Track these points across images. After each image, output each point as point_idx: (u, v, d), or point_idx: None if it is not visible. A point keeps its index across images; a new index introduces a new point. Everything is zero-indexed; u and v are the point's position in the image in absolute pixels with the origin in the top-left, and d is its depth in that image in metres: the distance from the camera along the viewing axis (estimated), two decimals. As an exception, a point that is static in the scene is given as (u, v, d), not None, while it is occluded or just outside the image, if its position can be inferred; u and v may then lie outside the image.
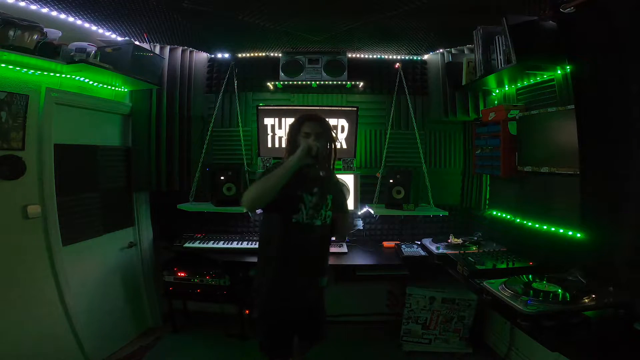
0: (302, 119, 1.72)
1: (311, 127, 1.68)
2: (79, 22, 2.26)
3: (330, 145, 1.74)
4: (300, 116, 1.74)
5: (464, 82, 2.61)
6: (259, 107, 2.94)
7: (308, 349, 1.95)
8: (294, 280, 1.70)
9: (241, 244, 2.75)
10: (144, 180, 2.84)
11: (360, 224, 3.05)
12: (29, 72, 1.98)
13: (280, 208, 1.64)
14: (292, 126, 1.76)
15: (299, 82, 2.93)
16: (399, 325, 2.73)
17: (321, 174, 1.73)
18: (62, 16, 2.14)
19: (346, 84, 2.96)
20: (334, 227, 1.79)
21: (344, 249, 2.75)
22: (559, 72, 2.01)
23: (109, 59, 2.24)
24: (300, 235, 1.67)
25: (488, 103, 2.83)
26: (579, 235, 1.84)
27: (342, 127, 2.95)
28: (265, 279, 1.72)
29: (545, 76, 2.15)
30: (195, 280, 2.69)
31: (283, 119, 2.94)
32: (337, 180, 1.87)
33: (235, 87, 3.01)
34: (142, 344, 2.73)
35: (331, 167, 1.79)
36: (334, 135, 1.79)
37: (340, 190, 1.83)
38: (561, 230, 1.97)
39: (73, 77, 2.25)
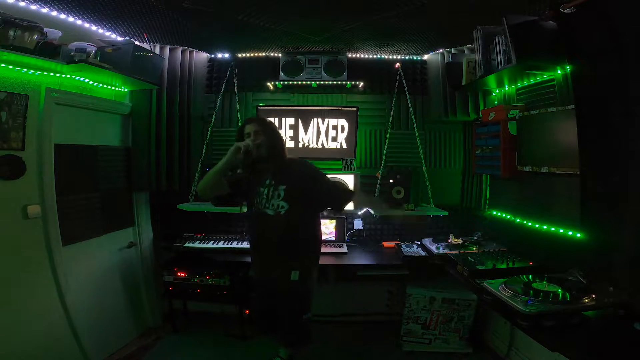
0: (244, 123, 1.99)
1: (249, 128, 1.91)
2: (79, 22, 2.26)
3: (273, 139, 1.93)
4: (244, 121, 2.04)
5: (464, 82, 2.60)
6: (259, 107, 2.95)
7: (289, 349, 2.09)
8: (261, 265, 1.97)
9: (241, 244, 2.75)
10: (144, 180, 2.84)
11: (360, 223, 3.05)
12: (29, 72, 1.98)
13: (246, 199, 1.99)
14: (237, 132, 2.00)
15: (299, 82, 2.93)
16: (399, 325, 2.73)
17: (265, 168, 1.91)
18: (62, 16, 2.15)
19: (346, 84, 2.96)
20: (328, 202, 1.96)
21: (344, 249, 2.75)
22: (559, 72, 2.01)
23: (109, 59, 2.24)
24: (257, 223, 1.92)
25: (488, 103, 2.83)
26: (579, 235, 1.84)
27: (342, 127, 2.96)
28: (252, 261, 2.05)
29: (545, 76, 2.15)
30: (195, 280, 2.69)
31: (283, 119, 2.95)
32: (298, 169, 1.95)
33: (235, 87, 3.01)
34: (142, 344, 2.72)
35: (283, 159, 1.95)
36: (275, 130, 2.01)
37: (300, 178, 1.89)
38: (561, 230, 1.97)
39: (73, 77, 2.25)
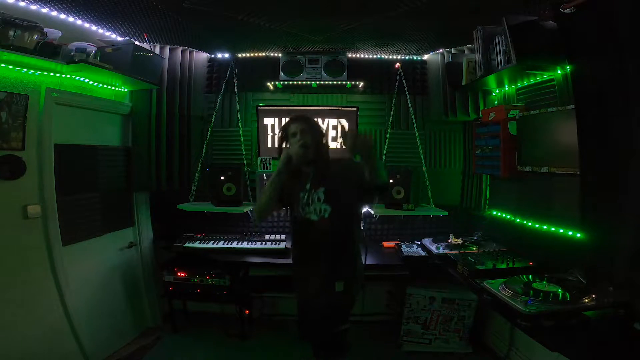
0: (288, 122, 1.80)
1: (295, 127, 1.75)
2: (79, 22, 2.26)
3: (319, 141, 1.77)
4: (287, 121, 1.82)
5: (464, 82, 2.61)
6: (259, 107, 2.95)
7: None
8: (304, 275, 1.81)
9: (241, 244, 2.74)
10: (144, 180, 2.84)
11: None
12: (29, 72, 1.98)
13: (289, 206, 1.85)
14: (281, 130, 1.83)
15: (299, 82, 2.93)
16: (399, 325, 2.73)
17: (308, 170, 1.77)
18: (62, 16, 2.14)
19: (346, 84, 2.96)
20: (347, 217, 1.76)
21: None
22: (559, 72, 2.01)
23: (109, 59, 2.24)
24: (302, 230, 1.78)
25: (488, 103, 2.83)
26: (579, 235, 1.84)
27: (343, 127, 2.95)
28: (292, 267, 1.90)
29: (545, 76, 2.15)
30: (195, 280, 2.69)
31: (283, 119, 2.94)
32: (340, 169, 1.78)
33: (235, 87, 3.01)
34: (142, 344, 2.72)
35: (327, 160, 1.79)
36: (320, 129, 1.84)
37: (342, 177, 1.73)
38: (561, 230, 1.97)
39: (73, 77, 2.25)
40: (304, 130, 1.73)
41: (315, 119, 1.87)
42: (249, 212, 3.01)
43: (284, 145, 1.78)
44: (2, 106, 1.85)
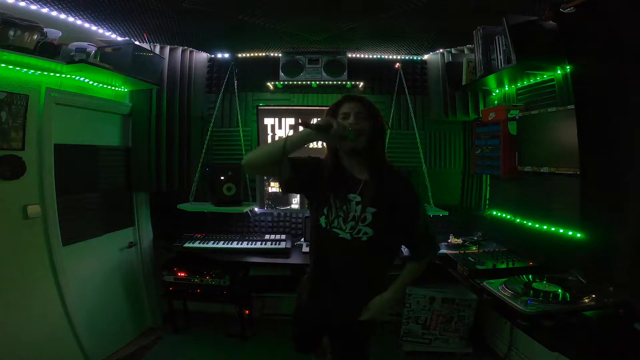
0: (342, 99, 1.40)
1: (349, 107, 1.35)
2: (79, 22, 2.26)
3: (378, 132, 1.36)
4: (341, 97, 1.41)
5: (464, 82, 2.61)
6: (259, 107, 2.94)
7: None
8: (321, 298, 1.48)
9: (241, 244, 2.74)
10: (144, 180, 2.84)
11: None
12: (29, 72, 1.98)
13: (312, 204, 1.47)
14: (329, 109, 1.41)
15: (299, 82, 2.93)
16: (399, 325, 2.73)
17: (362, 177, 1.38)
18: (62, 16, 2.14)
19: (346, 84, 2.96)
20: (385, 249, 1.42)
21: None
22: (559, 72, 2.01)
23: (109, 59, 2.24)
24: (324, 242, 1.42)
25: (488, 103, 2.83)
26: (579, 235, 1.84)
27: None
28: (305, 282, 1.57)
29: (545, 76, 2.15)
30: (195, 280, 2.69)
31: (283, 119, 2.95)
32: (397, 188, 1.37)
33: (235, 87, 3.01)
34: (142, 344, 2.72)
35: (383, 164, 1.39)
36: (382, 120, 1.39)
37: (396, 201, 1.35)
38: (561, 230, 1.97)
39: (73, 77, 2.25)
40: (360, 114, 1.33)
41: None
42: (248, 212, 3.01)
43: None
44: (2, 106, 1.85)
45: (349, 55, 2.98)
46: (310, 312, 1.56)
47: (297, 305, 1.65)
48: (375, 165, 1.37)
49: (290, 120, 2.94)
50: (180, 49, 2.92)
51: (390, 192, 1.35)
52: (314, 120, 1.41)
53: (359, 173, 1.39)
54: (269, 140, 2.96)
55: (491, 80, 2.36)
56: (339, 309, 1.46)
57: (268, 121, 2.96)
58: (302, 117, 2.93)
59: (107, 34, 2.49)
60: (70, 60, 2.03)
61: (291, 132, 2.73)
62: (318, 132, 1.26)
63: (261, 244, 2.75)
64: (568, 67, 1.91)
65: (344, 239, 1.36)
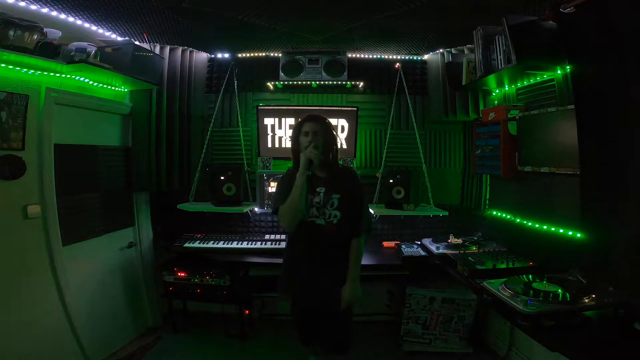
0: (303, 120, 1.83)
1: (310, 127, 1.77)
2: (79, 22, 2.26)
3: (330, 144, 1.81)
4: (303, 117, 1.85)
5: (464, 82, 2.60)
6: (259, 107, 2.95)
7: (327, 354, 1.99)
8: (305, 278, 1.80)
9: (241, 244, 2.74)
10: (144, 180, 2.84)
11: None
12: (29, 72, 1.98)
13: None
14: (294, 126, 1.86)
15: (299, 82, 2.93)
16: (399, 325, 2.73)
17: (320, 174, 1.81)
18: (62, 16, 2.14)
19: (346, 84, 2.96)
20: (350, 226, 1.78)
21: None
22: (559, 72, 2.01)
23: (109, 59, 2.24)
24: (305, 232, 1.78)
25: (488, 103, 2.83)
26: (579, 235, 1.84)
27: (342, 127, 2.95)
28: (286, 270, 1.92)
29: (545, 76, 2.15)
30: (195, 280, 2.69)
31: (283, 119, 2.95)
32: (349, 178, 1.85)
33: (235, 87, 3.01)
34: (142, 344, 2.72)
35: (338, 165, 1.86)
36: (334, 133, 1.84)
37: (351, 188, 1.80)
38: (561, 230, 1.97)
39: (73, 77, 2.25)
40: (317, 132, 1.76)
41: (329, 120, 1.86)
42: (248, 212, 3.01)
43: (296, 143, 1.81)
44: (2, 106, 1.85)
45: (349, 55, 2.98)
46: (304, 296, 1.86)
47: (292, 301, 1.99)
48: (331, 167, 1.82)
49: (290, 121, 2.94)
50: (180, 49, 2.93)
51: (344, 184, 1.80)
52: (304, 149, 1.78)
53: (320, 173, 1.82)
54: (269, 140, 2.98)
55: (491, 80, 2.36)
56: (327, 281, 1.77)
57: (268, 121, 2.96)
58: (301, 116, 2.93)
59: (107, 34, 2.49)
60: (70, 60, 2.03)
61: (290, 132, 2.89)
62: (308, 169, 1.71)
63: (261, 244, 2.75)
64: (568, 67, 1.91)
65: (319, 225, 1.75)
